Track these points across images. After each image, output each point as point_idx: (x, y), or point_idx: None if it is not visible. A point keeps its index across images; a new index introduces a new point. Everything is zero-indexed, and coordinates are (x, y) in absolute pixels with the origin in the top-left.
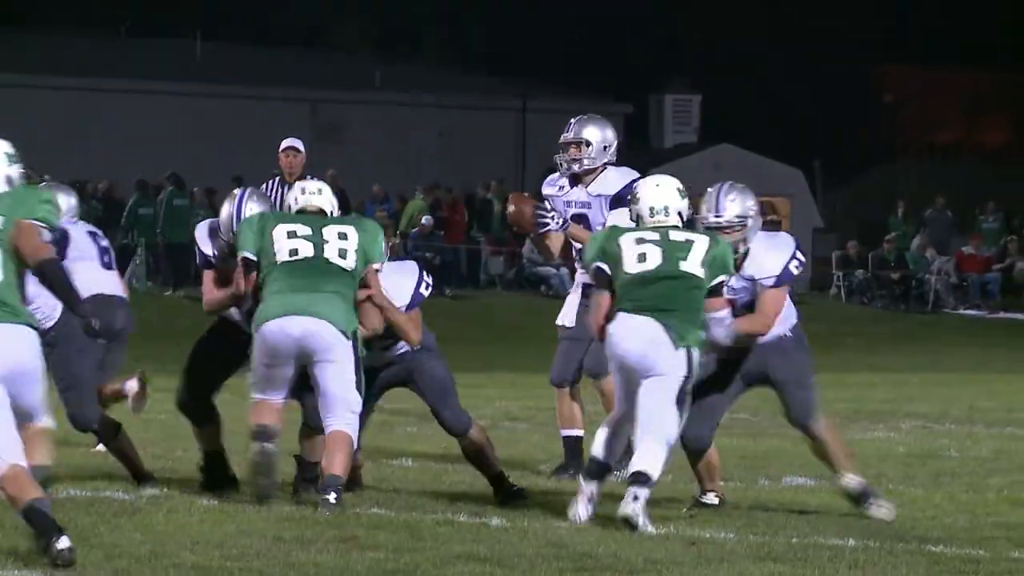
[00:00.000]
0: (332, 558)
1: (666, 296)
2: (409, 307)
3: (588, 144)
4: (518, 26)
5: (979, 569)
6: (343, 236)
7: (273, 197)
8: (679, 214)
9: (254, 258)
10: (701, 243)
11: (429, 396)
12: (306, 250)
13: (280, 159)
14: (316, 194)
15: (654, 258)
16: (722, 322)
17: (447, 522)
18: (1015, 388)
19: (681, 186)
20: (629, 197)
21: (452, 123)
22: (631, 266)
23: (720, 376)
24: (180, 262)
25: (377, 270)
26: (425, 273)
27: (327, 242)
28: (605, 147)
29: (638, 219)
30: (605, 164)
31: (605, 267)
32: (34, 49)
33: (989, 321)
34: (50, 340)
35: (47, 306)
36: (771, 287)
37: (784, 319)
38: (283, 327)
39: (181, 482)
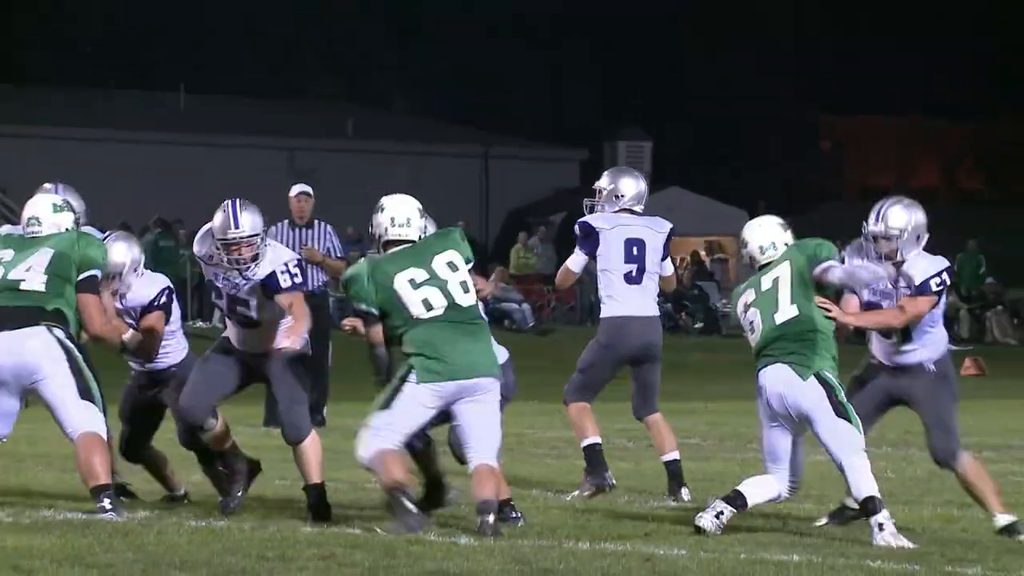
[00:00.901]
0: (312, 575)
1: (782, 344)
2: None
3: (600, 192)
4: (481, 78)
5: None
6: (453, 267)
7: (282, 239)
8: (785, 244)
9: (376, 312)
10: (783, 271)
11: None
12: (437, 300)
13: (291, 203)
14: (405, 225)
15: (757, 324)
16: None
17: (419, 541)
18: None
19: (782, 221)
20: (741, 239)
21: (419, 169)
22: (749, 337)
23: (869, 396)
24: None
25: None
26: None
27: (447, 282)
28: (617, 196)
29: (752, 260)
30: (622, 211)
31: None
32: (31, 102)
33: None
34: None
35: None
36: (910, 294)
37: (927, 343)
38: (460, 386)
39: (171, 504)
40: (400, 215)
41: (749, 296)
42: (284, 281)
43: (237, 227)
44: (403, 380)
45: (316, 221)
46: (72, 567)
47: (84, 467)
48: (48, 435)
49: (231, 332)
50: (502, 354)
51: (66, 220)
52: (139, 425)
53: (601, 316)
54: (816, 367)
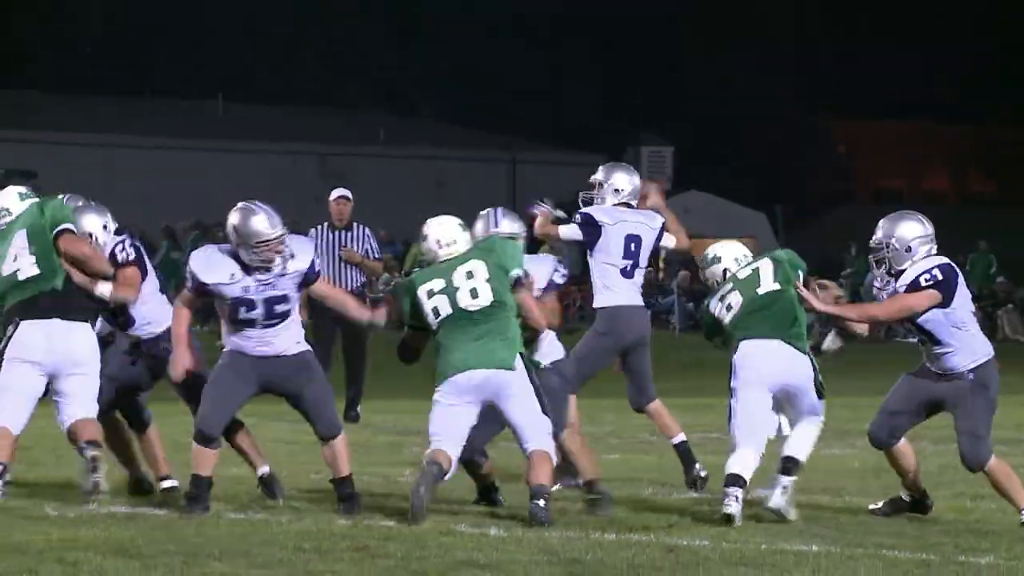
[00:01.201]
0: (347, 566)
1: (766, 317)
2: (544, 291)
3: (599, 185)
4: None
5: (930, 572)
6: (470, 275)
7: (322, 241)
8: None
9: (413, 323)
10: (766, 266)
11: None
12: (443, 307)
13: (331, 206)
14: (452, 244)
15: (736, 302)
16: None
17: (450, 532)
18: None
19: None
20: (710, 259)
21: (449, 173)
22: (725, 317)
23: (911, 394)
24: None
25: (519, 278)
26: (560, 264)
27: (458, 289)
28: (616, 190)
29: (724, 272)
30: (624, 204)
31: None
32: (75, 109)
33: None
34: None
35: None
36: (903, 291)
37: (957, 348)
38: (466, 379)
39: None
40: (445, 236)
41: (724, 289)
42: (319, 267)
43: (275, 226)
44: (436, 389)
45: (354, 224)
46: (115, 558)
47: (76, 434)
48: None
49: (248, 343)
50: (558, 350)
51: (31, 202)
52: (122, 397)
53: (598, 306)
54: (805, 347)
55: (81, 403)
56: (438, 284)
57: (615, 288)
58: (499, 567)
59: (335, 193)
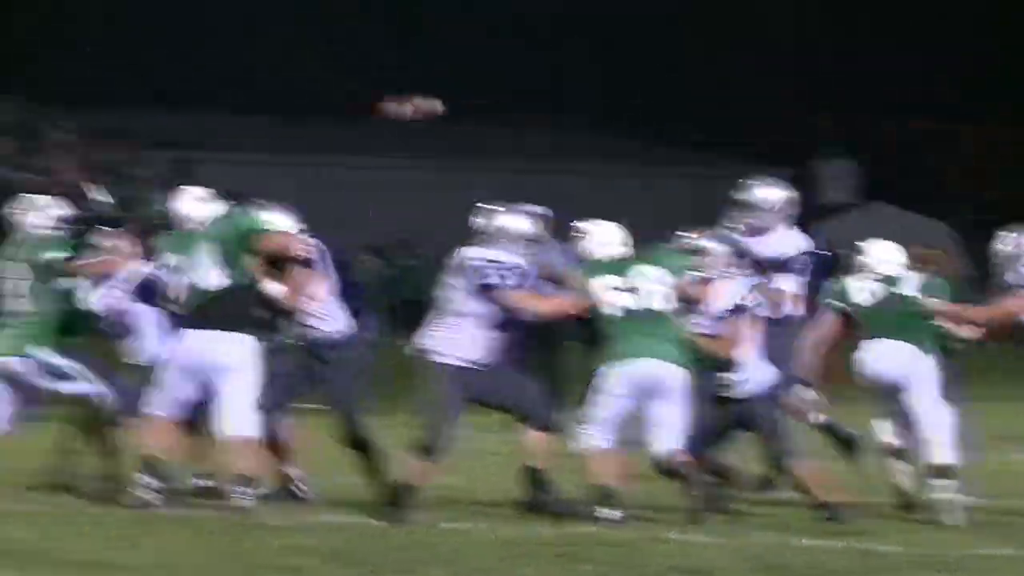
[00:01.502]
0: (552, 570)
1: (893, 318)
2: (730, 314)
3: (756, 206)
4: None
5: None
6: (649, 277)
7: None
8: (902, 265)
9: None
10: (918, 277)
11: (764, 440)
12: (630, 303)
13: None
14: (611, 245)
15: (877, 290)
16: None
17: (656, 539)
18: None
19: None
20: (859, 252)
21: (629, 189)
22: (857, 297)
23: None
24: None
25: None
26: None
27: (637, 289)
28: (770, 209)
29: (865, 267)
30: (778, 224)
31: (839, 303)
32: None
33: None
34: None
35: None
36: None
37: None
38: (630, 369)
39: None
40: (604, 238)
41: (875, 276)
42: None
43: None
44: (599, 374)
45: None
46: (334, 565)
47: (227, 464)
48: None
49: (473, 346)
50: (766, 373)
51: (215, 209)
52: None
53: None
54: (932, 346)
55: (235, 412)
56: (619, 281)
57: None
58: (703, 572)
59: (535, 211)
